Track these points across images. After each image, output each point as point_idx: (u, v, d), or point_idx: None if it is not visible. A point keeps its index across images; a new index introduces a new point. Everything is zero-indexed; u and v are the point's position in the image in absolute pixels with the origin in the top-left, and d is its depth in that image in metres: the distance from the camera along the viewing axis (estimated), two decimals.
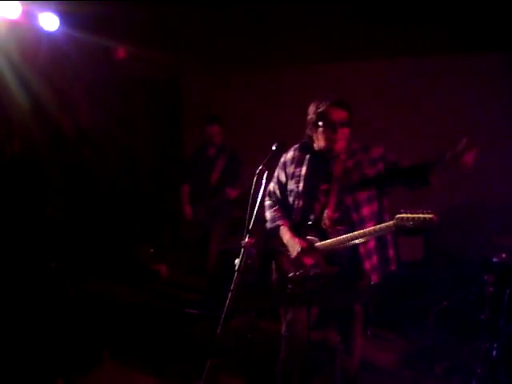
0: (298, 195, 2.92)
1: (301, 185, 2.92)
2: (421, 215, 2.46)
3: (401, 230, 2.55)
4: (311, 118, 2.87)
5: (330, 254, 2.81)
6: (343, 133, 2.81)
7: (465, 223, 5.10)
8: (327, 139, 2.82)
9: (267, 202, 3.10)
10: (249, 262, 2.73)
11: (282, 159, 3.03)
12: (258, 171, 2.75)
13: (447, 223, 5.15)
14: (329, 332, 4.30)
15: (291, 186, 2.96)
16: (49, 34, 4.59)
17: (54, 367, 3.64)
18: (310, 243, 2.85)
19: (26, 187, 4.90)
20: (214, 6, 4.59)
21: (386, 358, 4.09)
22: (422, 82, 5.36)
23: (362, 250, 2.81)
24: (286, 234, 2.94)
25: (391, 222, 2.57)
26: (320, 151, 2.90)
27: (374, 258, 2.86)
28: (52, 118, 4.95)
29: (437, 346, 4.14)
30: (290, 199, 2.97)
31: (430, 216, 2.45)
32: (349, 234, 2.73)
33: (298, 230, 2.91)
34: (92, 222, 5.44)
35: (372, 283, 2.86)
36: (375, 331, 4.47)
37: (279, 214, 3.01)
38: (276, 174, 3.07)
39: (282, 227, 2.97)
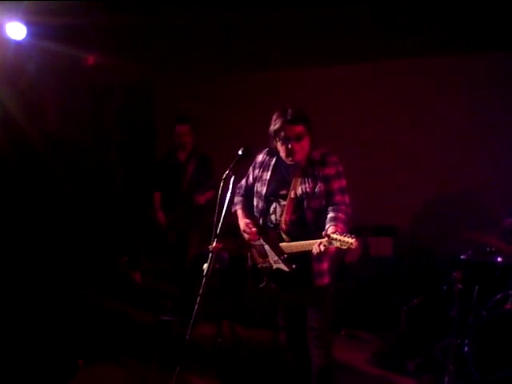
0: (261, 198, 3.10)
1: (264, 188, 3.09)
2: (347, 239, 2.59)
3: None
4: (270, 133, 3.01)
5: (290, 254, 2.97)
6: (300, 145, 2.94)
7: (435, 219, 5.17)
8: (285, 152, 2.97)
9: (238, 191, 3.31)
10: (217, 266, 2.75)
11: (255, 160, 3.22)
12: (224, 176, 2.80)
13: (418, 220, 5.28)
14: None
15: (257, 187, 3.14)
16: (16, 43, 4.57)
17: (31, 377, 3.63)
18: (274, 244, 3.03)
19: None
20: (184, 13, 4.62)
21: (358, 357, 4.13)
22: (402, 85, 5.40)
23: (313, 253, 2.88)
24: (240, 218, 3.20)
25: (324, 240, 2.69)
26: (283, 161, 3.06)
27: (324, 263, 3.00)
28: (20, 127, 4.91)
29: (408, 344, 4.20)
30: (255, 200, 3.16)
31: (352, 241, 2.58)
32: (294, 243, 2.92)
33: (259, 227, 3.10)
34: (64, 231, 5.40)
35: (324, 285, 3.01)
36: (349, 331, 4.53)
37: (239, 201, 3.26)
38: (248, 171, 3.26)
39: (238, 211, 3.23)
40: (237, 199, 3.28)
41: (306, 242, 2.83)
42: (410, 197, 5.20)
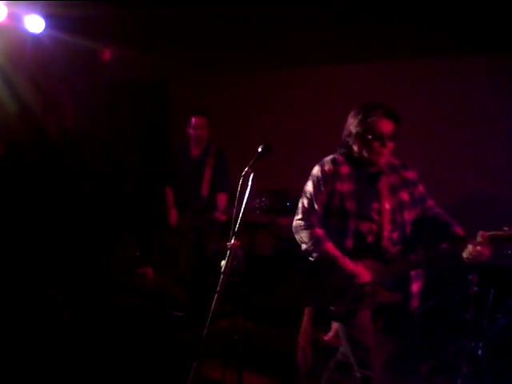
0: (349, 215, 2.65)
1: (351, 203, 2.66)
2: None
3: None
4: (357, 128, 2.64)
5: (390, 278, 2.62)
6: (390, 146, 2.65)
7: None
8: (374, 152, 2.63)
9: (299, 222, 2.80)
10: (235, 263, 2.75)
11: (318, 173, 2.76)
12: (243, 173, 2.77)
13: None
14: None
15: (336, 203, 2.69)
16: (34, 36, 4.58)
17: None
18: (372, 270, 2.63)
19: (11, 189, 4.87)
20: (202, 7, 4.60)
21: None
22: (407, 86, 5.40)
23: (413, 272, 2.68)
24: (342, 262, 2.63)
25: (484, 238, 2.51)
26: (361, 165, 2.70)
27: (419, 283, 2.77)
28: (37, 121, 4.93)
29: (422, 346, 4.17)
30: (337, 219, 2.69)
31: None
32: (398, 262, 2.59)
33: (351, 254, 2.65)
34: (77, 224, 5.41)
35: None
36: None
37: (322, 235, 2.70)
38: (310, 189, 2.79)
39: (336, 256, 2.65)
40: (311, 234, 2.69)
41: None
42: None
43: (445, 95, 5.24)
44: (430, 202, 2.75)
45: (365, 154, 2.65)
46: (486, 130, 5.04)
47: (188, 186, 4.81)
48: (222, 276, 2.64)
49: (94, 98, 5.51)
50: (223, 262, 2.70)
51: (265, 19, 4.67)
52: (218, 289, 2.63)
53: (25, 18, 4.48)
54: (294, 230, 2.84)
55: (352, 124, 2.68)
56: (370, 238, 2.63)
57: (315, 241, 2.69)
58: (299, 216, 2.81)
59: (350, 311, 2.66)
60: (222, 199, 4.69)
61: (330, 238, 2.67)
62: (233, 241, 2.73)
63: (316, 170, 2.77)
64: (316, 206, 2.73)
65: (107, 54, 5.40)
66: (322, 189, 2.71)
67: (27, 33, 4.53)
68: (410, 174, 2.73)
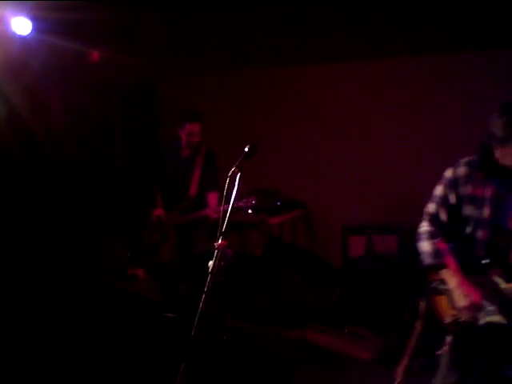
0: (482, 223, 2.42)
1: (486, 211, 2.41)
2: None
3: None
4: (503, 131, 2.33)
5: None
6: None
7: None
8: None
9: (425, 229, 2.62)
10: (222, 264, 2.75)
11: (450, 176, 2.55)
12: (230, 173, 2.77)
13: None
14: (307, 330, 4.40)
15: (468, 210, 2.45)
16: (21, 38, 4.57)
17: None
18: (491, 288, 2.38)
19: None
20: (187, 9, 4.61)
21: (362, 355, 4.14)
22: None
23: None
24: (453, 278, 2.43)
25: None
26: (504, 170, 2.39)
27: None
28: (25, 122, 4.91)
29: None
30: (467, 227, 2.47)
31: None
32: None
33: (473, 267, 2.43)
34: (65, 225, 5.40)
35: None
36: (352, 329, 4.53)
37: (444, 249, 2.50)
38: (440, 193, 2.59)
39: (448, 266, 2.47)
40: (433, 244, 2.51)
41: None
42: (415, 195, 5.18)
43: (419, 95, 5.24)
44: None
45: (507, 162, 2.37)
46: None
47: (177, 186, 4.78)
48: (209, 276, 2.64)
49: (82, 99, 5.50)
50: (211, 263, 2.70)
51: (250, 19, 4.68)
52: (206, 289, 2.63)
53: (12, 20, 4.47)
54: (416, 237, 2.68)
55: (496, 126, 2.36)
56: (498, 249, 2.40)
57: (432, 252, 2.53)
58: (423, 222, 2.63)
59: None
60: (212, 197, 4.64)
61: (457, 248, 2.48)
62: (220, 241, 2.73)
63: (448, 172, 2.55)
64: (443, 213, 2.54)
65: (95, 56, 5.40)
66: (451, 193, 2.51)
67: (14, 35, 4.52)
68: None
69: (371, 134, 5.43)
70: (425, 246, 2.58)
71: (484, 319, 2.35)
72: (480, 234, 2.41)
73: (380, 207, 5.26)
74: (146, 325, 4.33)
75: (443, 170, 5.05)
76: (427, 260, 2.55)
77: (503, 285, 2.35)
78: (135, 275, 5.47)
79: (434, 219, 2.57)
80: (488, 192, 2.40)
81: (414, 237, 5.10)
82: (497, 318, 2.33)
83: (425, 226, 2.61)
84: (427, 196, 5.14)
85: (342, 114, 5.56)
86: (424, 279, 2.78)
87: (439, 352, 2.50)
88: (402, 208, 5.18)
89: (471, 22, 4.60)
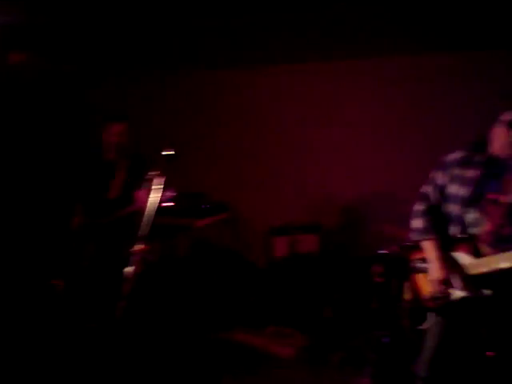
0: (459, 201, 2.56)
1: (466, 189, 2.54)
2: None
3: None
4: (494, 115, 2.50)
5: (483, 276, 2.44)
6: None
7: (358, 218, 5.36)
8: (505, 142, 2.45)
9: (417, 207, 2.75)
10: (141, 269, 2.75)
11: (445, 159, 2.69)
12: (149, 176, 2.77)
13: (341, 217, 5.45)
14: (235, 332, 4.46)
15: (452, 189, 2.60)
16: None
17: None
18: (457, 263, 2.52)
19: None
20: (121, 11, 4.51)
21: (285, 352, 4.23)
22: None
23: None
24: (431, 251, 2.61)
25: None
26: (496, 154, 2.52)
27: None
28: None
29: (332, 338, 4.34)
30: (448, 205, 2.62)
31: None
32: (506, 253, 2.36)
33: (449, 242, 2.58)
34: None
35: None
36: (275, 328, 4.61)
37: (431, 225, 2.65)
38: (433, 175, 2.73)
39: (428, 241, 2.64)
40: (423, 222, 2.67)
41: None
42: (334, 194, 5.37)
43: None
44: None
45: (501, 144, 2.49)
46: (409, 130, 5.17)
47: (97, 190, 4.66)
48: (126, 283, 2.64)
49: (3, 102, 5.25)
50: (128, 269, 2.70)
51: (191, 18, 4.60)
52: (123, 295, 2.62)
53: None
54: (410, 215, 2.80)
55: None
56: (471, 227, 2.52)
57: (422, 228, 2.68)
58: (417, 202, 2.77)
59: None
60: (141, 193, 4.51)
61: (443, 226, 2.63)
62: (139, 246, 2.73)
63: (445, 156, 2.70)
64: (433, 193, 2.70)
65: (16, 57, 5.17)
66: (443, 173, 2.66)
67: None
68: None
69: (293, 136, 5.55)
70: (415, 223, 2.72)
71: (456, 294, 2.51)
72: (457, 210, 2.56)
73: (302, 207, 5.39)
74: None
75: (364, 170, 5.31)
76: (416, 237, 2.70)
77: (468, 260, 2.50)
78: (56, 285, 5.29)
79: (425, 198, 2.72)
80: (472, 173, 2.54)
81: (335, 236, 5.35)
82: (463, 294, 2.48)
83: (417, 205, 2.75)
84: (347, 195, 5.39)
85: (262, 117, 5.64)
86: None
87: (421, 327, 2.64)
88: (323, 207, 5.36)
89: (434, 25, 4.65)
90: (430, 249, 2.62)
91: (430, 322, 2.60)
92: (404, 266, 3.47)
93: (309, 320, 4.60)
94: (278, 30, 4.63)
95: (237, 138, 5.74)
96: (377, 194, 5.17)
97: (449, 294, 2.52)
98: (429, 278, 2.61)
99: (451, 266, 2.52)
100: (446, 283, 2.52)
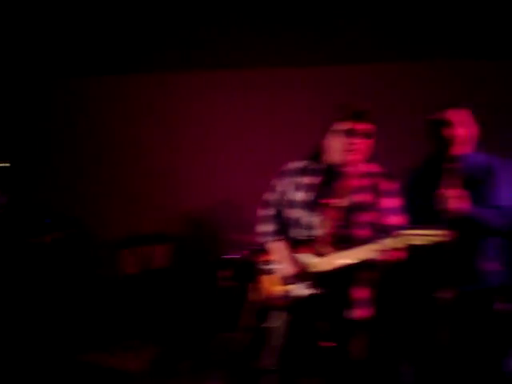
0: (302, 206, 2.72)
1: (307, 195, 2.71)
2: (435, 231, 2.41)
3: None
4: (330, 125, 2.69)
5: (322, 274, 2.62)
6: (363, 145, 2.65)
7: (208, 226, 5.38)
8: (344, 148, 2.63)
9: (264, 213, 2.88)
10: None
11: (287, 167, 2.84)
12: None
13: (192, 226, 5.44)
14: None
15: (294, 195, 2.75)
16: None
17: None
18: (303, 263, 2.68)
19: None
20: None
21: (135, 367, 4.09)
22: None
23: (359, 276, 2.67)
24: (281, 252, 2.74)
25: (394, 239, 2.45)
26: (333, 163, 2.71)
27: (368, 291, 2.73)
28: None
29: (183, 346, 4.28)
30: (291, 210, 2.77)
31: (443, 232, 2.43)
32: (343, 252, 2.57)
33: (294, 244, 2.73)
34: None
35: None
36: (127, 342, 4.46)
37: (278, 229, 2.80)
38: (276, 182, 2.87)
39: (277, 242, 2.78)
40: (267, 226, 2.84)
41: (360, 248, 2.52)
42: (184, 204, 5.32)
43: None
44: (392, 220, 2.67)
45: (337, 150, 2.68)
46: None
47: None
48: None
49: None
50: None
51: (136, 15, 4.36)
52: None
53: None
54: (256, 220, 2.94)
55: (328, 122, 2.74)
56: (312, 229, 2.67)
57: (266, 232, 2.85)
58: (262, 208, 2.90)
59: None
60: None
61: (286, 228, 2.77)
62: None
63: (287, 165, 2.86)
64: (276, 199, 2.85)
65: None
66: (285, 181, 2.82)
67: None
68: (385, 185, 2.71)
69: (140, 145, 5.45)
70: (263, 227, 2.86)
71: (302, 292, 2.65)
72: (299, 215, 2.71)
73: (154, 219, 5.28)
74: None
75: (214, 179, 5.34)
76: (265, 240, 2.83)
77: (312, 259, 2.65)
78: None
79: (269, 205, 2.87)
80: (311, 180, 2.72)
81: (188, 247, 5.30)
82: (309, 291, 2.63)
83: (263, 211, 2.89)
84: (197, 204, 5.38)
85: (106, 127, 5.47)
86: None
87: (268, 325, 2.74)
88: (175, 218, 5.29)
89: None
90: (279, 249, 2.76)
91: (277, 319, 2.71)
92: (251, 269, 3.60)
93: (160, 331, 4.49)
94: None
95: (83, 147, 5.52)
96: (224, 202, 5.22)
97: (296, 292, 2.66)
98: (278, 276, 2.74)
99: (298, 265, 2.67)
100: (294, 281, 2.67)
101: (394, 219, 2.64)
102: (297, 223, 2.72)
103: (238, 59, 5.08)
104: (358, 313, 2.66)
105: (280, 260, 2.74)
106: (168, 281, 4.88)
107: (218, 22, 4.47)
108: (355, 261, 2.53)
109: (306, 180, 2.73)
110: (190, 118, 5.39)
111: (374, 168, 2.73)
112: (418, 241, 2.41)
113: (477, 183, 2.77)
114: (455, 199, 2.63)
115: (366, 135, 2.62)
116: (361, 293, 2.67)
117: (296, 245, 2.71)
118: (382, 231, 2.54)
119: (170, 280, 4.89)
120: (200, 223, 5.34)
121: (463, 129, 2.81)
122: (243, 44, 4.79)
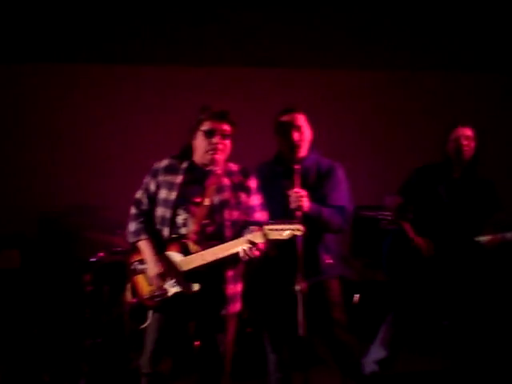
0: (168, 204, 2.75)
1: (173, 193, 2.75)
2: (291, 226, 2.58)
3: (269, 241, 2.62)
4: (193, 125, 2.77)
5: (192, 271, 2.66)
6: (224, 144, 2.74)
7: (69, 226, 5.14)
8: (207, 147, 2.74)
9: (133, 211, 2.86)
10: None
11: (154, 166, 2.86)
12: None
13: (52, 227, 5.18)
14: None
15: (162, 194, 2.78)
16: None
17: None
18: (170, 262, 2.69)
19: None
20: None
21: None
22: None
23: (229, 273, 2.75)
24: (146, 250, 2.75)
25: (255, 234, 2.58)
26: (198, 162, 2.80)
27: (239, 286, 2.82)
28: None
29: (44, 357, 4.05)
30: (159, 209, 2.79)
31: (298, 226, 2.60)
32: (211, 249, 2.64)
33: (162, 243, 2.74)
34: None
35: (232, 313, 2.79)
36: None
37: (143, 227, 2.80)
38: (145, 181, 2.87)
39: (143, 242, 2.77)
40: (137, 224, 2.82)
41: (226, 244, 2.62)
42: (40, 203, 5.07)
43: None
44: (257, 215, 2.82)
45: (200, 149, 2.78)
46: None
47: None
48: None
49: None
50: None
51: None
52: None
53: None
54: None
55: (192, 122, 2.83)
56: (181, 228, 2.73)
57: (135, 230, 2.83)
58: (132, 206, 2.89)
59: None
60: None
61: (152, 228, 2.80)
62: None
63: (154, 164, 2.89)
64: (145, 198, 2.86)
65: None
66: (153, 180, 2.85)
67: None
68: (248, 182, 2.85)
69: None
70: (130, 226, 2.85)
71: (171, 290, 2.68)
72: (167, 213, 2.75)
73: (4, 218, 4.95)
74: None
75: (73, 179, 5.13)
76: (131, 239, 2.83)
77: (179, 258, 2.70)
78: None
79: (138, 203, 2.87)
80: (178, 179, 2.78)
81: (41, 247, 5.01)
82: (175, 290, 2.67)
83: (132, 209, 2.89)
84: (55, 204, 5.12)
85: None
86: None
87: (142, 326, 2.76)
88: (28, 218, 4.99)
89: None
90: (145, 249, 2.77)
91: (150, 320, 2.74)
92: (119, 270, 3.55)
93: (16, 343, 4.21)
94: None
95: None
96: (89, 202, 5.05)
97: (166, 291, 2.69)
98: (147, 275, 2.75)
99: (166, 264, 2.69)
100: (162, 279, 2.69)
101: (258, 215, 2.80)
102: (163, 221, 2.78)
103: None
104: (231, 308, 2.76)
105: (147, 259, 2.77)
106: (19, 287, 4.57)
107: None
108: (222, 257, 2.65)
109: (171, 179, 2.78)
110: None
111: (234, 167, 2.86)
112: (277, 235, 2.59)
113: (317, 184, 3.11)
114: (297, 198, 2.89)
115: (227, 135, 2.75)
116: (231, 288, 2.76)
117: (165, 244, 2.76)
118: (247, 227, 2.71)
119: (22, 286, 4.59)
120: (61, 224, 5.10)
121: (307, 132, 3.17)
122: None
